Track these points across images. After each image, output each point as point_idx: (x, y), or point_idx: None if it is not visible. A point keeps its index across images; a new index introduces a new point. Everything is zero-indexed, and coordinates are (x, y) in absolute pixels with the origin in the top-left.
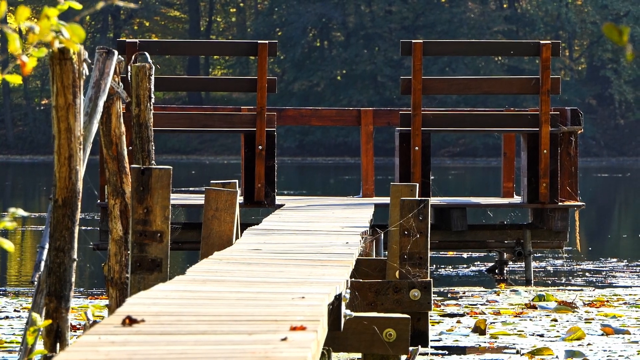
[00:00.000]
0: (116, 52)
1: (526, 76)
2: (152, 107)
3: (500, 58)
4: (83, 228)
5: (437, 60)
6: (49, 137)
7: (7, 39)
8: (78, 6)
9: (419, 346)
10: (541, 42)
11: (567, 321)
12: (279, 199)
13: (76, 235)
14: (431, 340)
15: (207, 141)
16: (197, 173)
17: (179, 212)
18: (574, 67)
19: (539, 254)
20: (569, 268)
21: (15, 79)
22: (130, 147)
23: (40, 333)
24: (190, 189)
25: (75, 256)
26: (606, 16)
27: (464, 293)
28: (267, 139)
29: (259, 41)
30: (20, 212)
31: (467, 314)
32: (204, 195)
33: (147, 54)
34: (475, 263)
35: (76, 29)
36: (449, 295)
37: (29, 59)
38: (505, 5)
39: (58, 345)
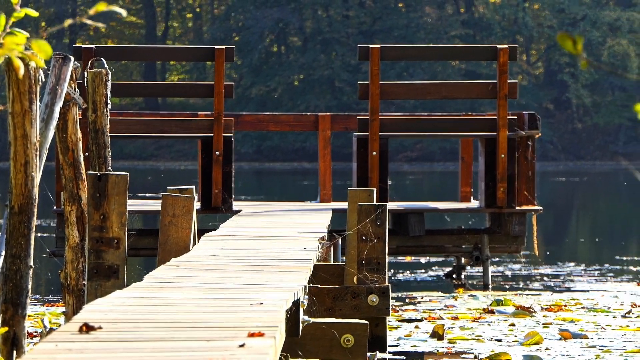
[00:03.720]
0: (72, 58)
1: (484, 81)
2: (108, 113)
3: (457, 62)
4: (39, 235)
5: (394, 65)
6: (5, 144)
7: None
8: (34, 13)
9: (377, 352)
10: (498, 46)
11: (525, 326)
12: (236, 205)
13: (32, 242)
14: (389, 346)
15: (163, 147)
16: (153, 179)
17: (135, 219)
18: (532, 71)
19: (497, 259)
20: (526, 273)
21: None
22: (87, 153)
23: None
24: (147, 195)
25: (31, 263)
26: (563, 20)
27: (422, 298)
28: (225, 145)
29: (215, 46)
30: None
31: (425, 319)
32: (160, 202)
33: (103, 59)
34: (433, 268)
35: (43, 45)
36: (407, 301)
37: None
38: (462, 10)
39: (15, 352)
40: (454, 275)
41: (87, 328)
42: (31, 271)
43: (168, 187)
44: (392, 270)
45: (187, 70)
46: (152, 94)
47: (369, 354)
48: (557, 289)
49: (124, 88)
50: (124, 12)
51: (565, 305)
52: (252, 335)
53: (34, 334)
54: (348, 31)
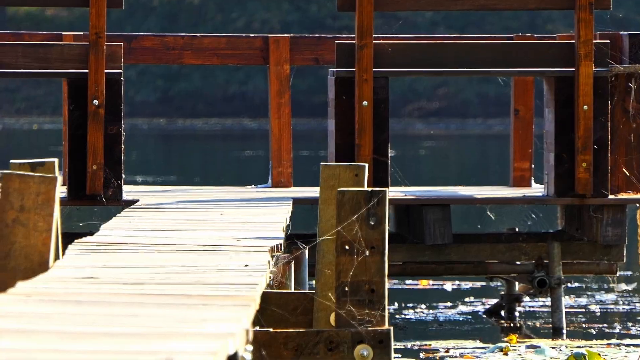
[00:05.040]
0: None
1: None
2: None
3: None
4: None
5: None
6: None
7: None
8: None
9: None
10: None
11: None
12: (128, 192)
13: None
14: None
15: (1, 92)
16: None
17: None
18: None
19: (576, 284)
20: (626, 307)
21: None
22: None
23: None
24: None
25: None
26: None
27: (447, 351)
28: (109, 89)
29: None
30: None
31: None
32: None
33: None
34: (467, 300)
35: None
36: (422, 356)
37: None
38: None
39: None
40: (503, 313)
41: None
42: None
43: (11, 161)
44: (396, 304)
45: None
46: None
47: None
48: None
49: None
50: None
51: None
52: None
53: None
54: None
